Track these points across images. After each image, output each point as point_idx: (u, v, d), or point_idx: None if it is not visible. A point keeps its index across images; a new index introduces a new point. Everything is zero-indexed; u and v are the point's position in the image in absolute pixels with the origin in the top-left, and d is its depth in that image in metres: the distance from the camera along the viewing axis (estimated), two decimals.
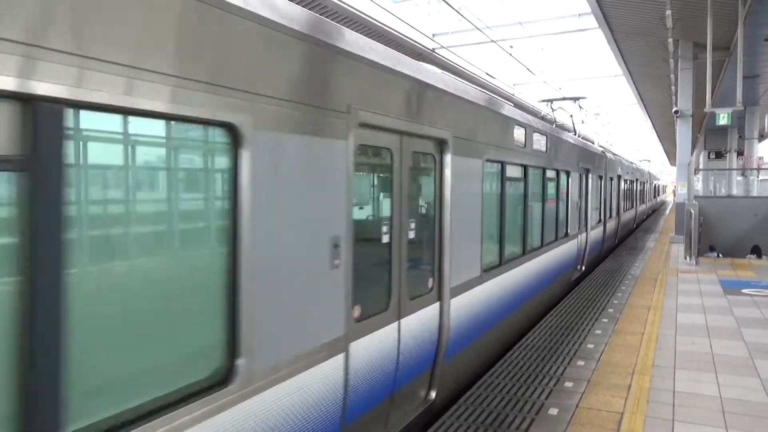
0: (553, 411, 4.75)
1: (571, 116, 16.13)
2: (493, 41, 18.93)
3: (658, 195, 55.81)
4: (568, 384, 5.40)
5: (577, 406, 4.88)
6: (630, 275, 11.96)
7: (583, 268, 12.29)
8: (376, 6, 17.72)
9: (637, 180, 25.18)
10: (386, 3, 19.72)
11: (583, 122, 16.31)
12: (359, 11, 16.83)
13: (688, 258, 14.07)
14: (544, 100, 15.44)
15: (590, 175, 12.70)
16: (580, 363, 6.03)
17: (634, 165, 27.28)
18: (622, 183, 19.20)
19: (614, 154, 23.01)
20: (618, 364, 5.98)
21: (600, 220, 14.46)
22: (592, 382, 5.45)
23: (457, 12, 21.85)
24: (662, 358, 6.19)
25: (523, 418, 4.60)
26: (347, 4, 16.28)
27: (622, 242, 19.65)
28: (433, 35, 22.71)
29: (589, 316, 8.19)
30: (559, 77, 31.16)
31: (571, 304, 9.00)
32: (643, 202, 30.86)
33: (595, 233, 13.69)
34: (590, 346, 6.67)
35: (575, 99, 15.38)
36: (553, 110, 15.07)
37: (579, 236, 11.64)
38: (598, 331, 7.32)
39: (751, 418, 4.61)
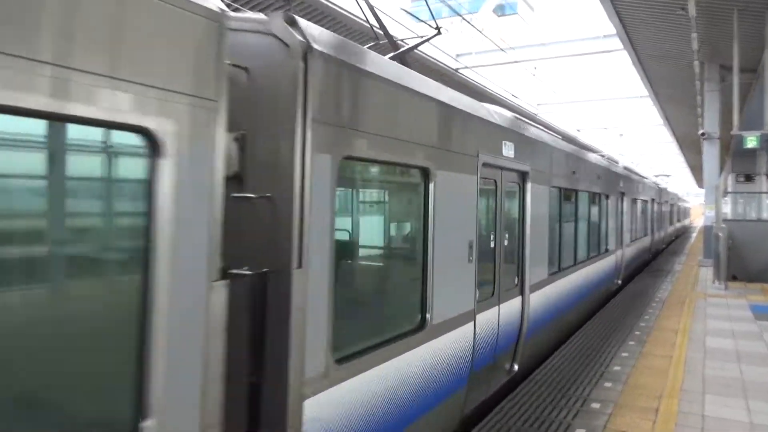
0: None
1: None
2: (516, 61, 19.12)
3: (679, 220, 39.96)
4: (595, 405, 5.37)
5: (604, 427, 4.85)
6: (657, 298, 11.80)
7: None
8: (400, 25, 18.02)
9: (623, 194, 14.16)
10: (410, 23, 20.01)
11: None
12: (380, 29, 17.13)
13: (716, 282, 13.83)
14: None
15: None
16: (608, 384, 5.99)
17: (625, 169, 16.95)
18: (580, 200, 9.72)
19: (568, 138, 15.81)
20: (646, 387, 5.93)
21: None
22: (619, 404, 5.41)
23: (480, 32, 22.05)
24: (690, 382, 6.11)
25: None
26: (367, 22, 16.59)
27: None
28: (457, 56, 22.97)
29: (615, 338, 8.11)
30: (584, 97, 31.16)
31: (597, 327, 8.92)
32: (647, 233, 19.30)
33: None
34: (617, 368, 6.61)
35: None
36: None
37: None
38: (625, 354, 7.26)
39: None
